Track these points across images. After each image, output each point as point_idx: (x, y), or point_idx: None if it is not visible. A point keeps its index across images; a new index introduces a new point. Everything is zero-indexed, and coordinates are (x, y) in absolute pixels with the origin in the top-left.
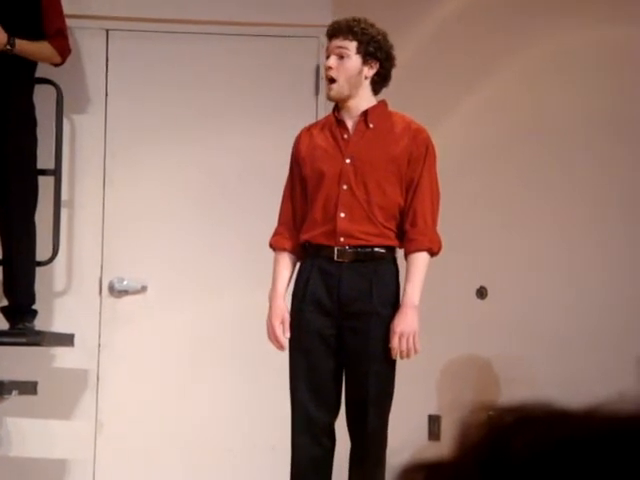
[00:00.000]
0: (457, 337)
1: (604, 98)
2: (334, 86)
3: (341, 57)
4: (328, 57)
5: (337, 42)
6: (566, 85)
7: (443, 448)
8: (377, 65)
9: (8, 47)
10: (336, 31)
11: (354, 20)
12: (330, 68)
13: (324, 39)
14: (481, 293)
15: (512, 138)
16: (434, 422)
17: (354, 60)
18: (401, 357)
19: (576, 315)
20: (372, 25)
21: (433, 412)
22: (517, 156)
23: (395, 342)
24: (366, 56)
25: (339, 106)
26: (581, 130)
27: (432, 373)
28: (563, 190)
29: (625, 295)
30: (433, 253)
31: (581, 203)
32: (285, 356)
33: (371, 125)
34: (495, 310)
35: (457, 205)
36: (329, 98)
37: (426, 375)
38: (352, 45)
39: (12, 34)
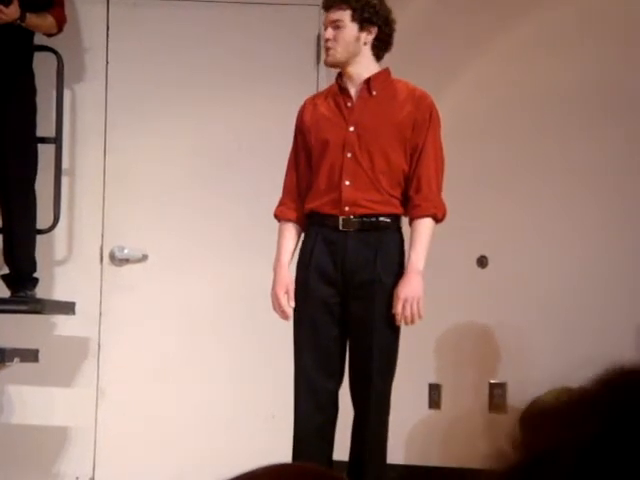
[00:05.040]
0: (457, 306)
1: (604, 68)
2: (330, 52)
3: (337, 28)
4: (325, 29)
5: (331, 14)
6: (568, 54)
7: (443, 416)
8: (375, 30)
9: (18, 21)
10: (330, 2)
11: None
12: (327, 40)
13: None
14: (482, 262)
15: (514, 107)
16: (434, 390)
17: (350, 28)
18: (405, 323)
19: (576, 284)
20: None
21: (433, 381)
22: (519, 126)
23: (399, 308)
24: (362, 22)
25: (341, 74)
26: (581, 99)
27: (432, 342)
28: (564, 160)
29: (625, 263)
30: (438, 219)
31: (582, 172)
32: (286, 325)
33: (374, 92)
34: (495, 279)
35: (458, 174)
36: (326, 64)
37: (426, 344)
38: (346, 14)
39: (24, 8)
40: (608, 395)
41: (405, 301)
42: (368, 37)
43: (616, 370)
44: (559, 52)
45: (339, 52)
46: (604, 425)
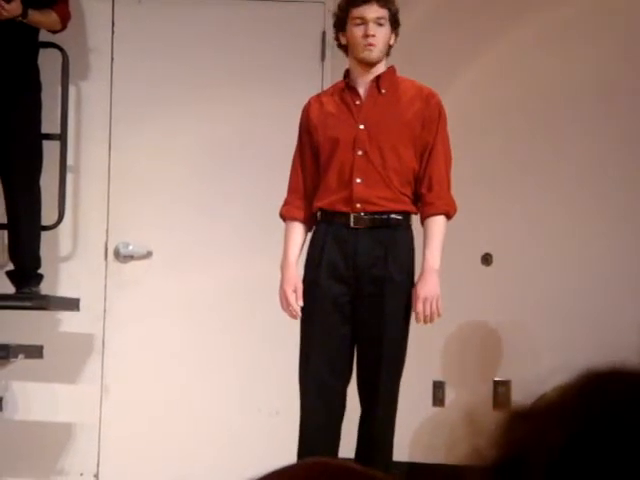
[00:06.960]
0: (462, 304)
1: (604, 68)
2: (375, 49)
3: (380, 25)
4: (362, 24)
5: (374, 9)
6: (568, 54)
7: (448, 414)
8: (396, 33)
9: (20, 18)
10: None
11: None
12: (374, 36)
13: (330, 4)
14: (486, 260)
15: (519, 104)
16: (438, 388)
17: (388, 28)
18: (425, 322)
19: (579, 282)
20: None
21: (437, 378)
22: (522, 124)
23: (419, 307)
24: (393, 25)
25: (353, 71)
26: (581, 99)
27: (437, 340)
28: (566, 159)
29: (628, 262)
30: (449, 216)
31: (584, 171)
32: (289, 321)
33: (383, 90)
34: (500, 277)
35: (463, 172)
36: (369, 60)
37: (431, 342)
38: (386, 13)
39: (26, 5)
40: (579, 399)
41: (425, 300)
42: (393, 40)
43: (588, 375)
44: (559, 52)
45: (381, 50)
46: (575, 429)
